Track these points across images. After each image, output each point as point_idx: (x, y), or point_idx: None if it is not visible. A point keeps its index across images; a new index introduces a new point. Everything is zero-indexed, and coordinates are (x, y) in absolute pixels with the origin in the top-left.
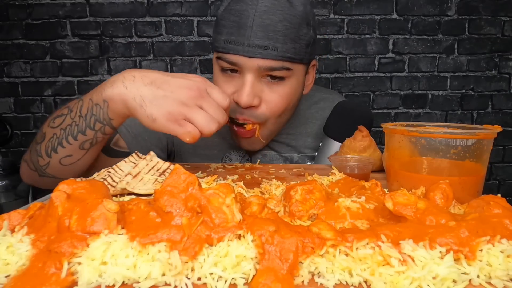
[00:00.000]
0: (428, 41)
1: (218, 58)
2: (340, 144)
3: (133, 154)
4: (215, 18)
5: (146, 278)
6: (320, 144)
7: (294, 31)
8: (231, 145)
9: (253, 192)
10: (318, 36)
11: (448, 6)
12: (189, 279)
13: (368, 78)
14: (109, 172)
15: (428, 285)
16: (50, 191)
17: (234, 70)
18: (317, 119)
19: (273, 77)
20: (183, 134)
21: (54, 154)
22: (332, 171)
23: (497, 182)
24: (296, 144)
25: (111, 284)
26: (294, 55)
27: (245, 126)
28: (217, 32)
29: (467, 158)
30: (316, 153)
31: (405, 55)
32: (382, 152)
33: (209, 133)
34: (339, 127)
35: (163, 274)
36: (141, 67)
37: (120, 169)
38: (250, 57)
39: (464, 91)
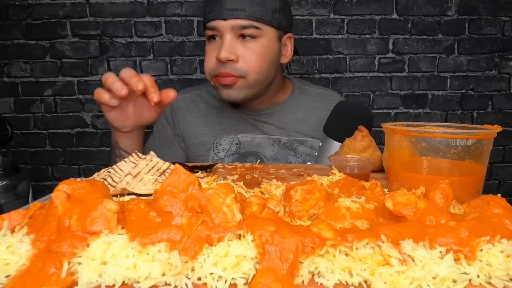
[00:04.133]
0: (428, 41)
1: (205, 29)
2: (340, 144)
3: (133, 154)
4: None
5: (146, 278)
6: (320, 144)
7: None
8: (221, 132)
9: (253, 192)
10: (318, 36)
11: (448, 6)
12: (189, 279)
13: (368, 78)
14: (109, 172)
15: (428, 285)
16: (50, 191)
17: (215, 36)
18: (309, 108)
19: (246, 38)
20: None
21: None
22: (332, 171)
23: (497, 182)
24: (285, 127)
25: (111, 284)
26: (261, 17)
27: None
28: (204, 12)
29: (467, 158)
30: (316, 152)
31: (405, 55)
32: (382, 152)
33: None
34: (339, 127)
35: (163, 274)
36: (141, 67)
37: (120, 169)
38: (225, 19)
39: (464, 91)
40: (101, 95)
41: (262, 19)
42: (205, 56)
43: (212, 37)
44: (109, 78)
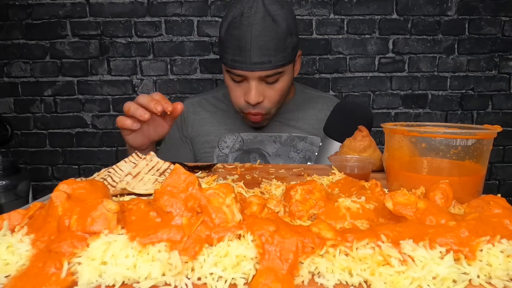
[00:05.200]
0: (428, 41)
1: (228, 71)
2: (340, 144)
3: (133, 154)
4: (219, 37)
5: (146, 278)
6: (320, 144)
7: (282, 44)
8: (225, 131)
9: (253, 192)
10: (318, 36)
11: (448, 6)
12: (189, 279)
13: (368, 78)
14: (109, 172)
15: (428, 285)
16: (50, 191)
17: (240, 80)
18: (309, 109)
19: (270, 82)
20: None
21: None
22: (332, 171)
23: (497, 182)
24: (287, 124)
25: (111, 284)
26: (284, 62)
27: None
28: (223, 51)
29: (467, 158)
30: (316, 153)
31: (405, 55)
32: (382, 152)
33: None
34: (339, 127)
35: (163, 274)
36: (141, 67)
37: (120, 169)
38: (252, 71)
39: (464, 91)
40: (124, 121)
41: (285, 63)
42: (230, 90)
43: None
44: (131, 106)
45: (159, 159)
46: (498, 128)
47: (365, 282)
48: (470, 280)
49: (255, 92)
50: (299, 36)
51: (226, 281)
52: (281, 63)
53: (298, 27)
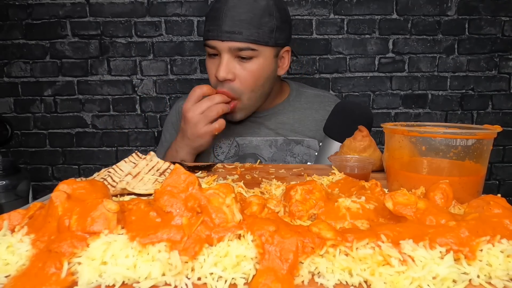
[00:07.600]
0: (428, 41)
1: (205, 45)
2: (340, 144)
3: (133, 154)
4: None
5: (146, 278)
6: (320, 144)
7: (256, 20)
8: (220, 136)
9: (253, 192)
10: (318, 36)
11: (448, 6)
12: (189, 279)
13: (368, 78)
14: (109, 172)
15: (428, 285)
16: (50, 191)
17: (216, 54)
18: (306, 109)
19: (243, 58)
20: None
21: None
22: (332, 171)
23: (497, 182)
24: (283, 128)
25: (111, 284)
26: (257, 38)
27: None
28: (204, 27)
29: (467, 158)
30: (316, 153)
31: (405, 55)
32: (382, 152)
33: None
34: (339, 127)
35: (163, 274)
36: (141, 67)
37: (120, 169)
38: (222, 40)
39: (464, 91)
40: (222, 124)
41: (259, 41)
42: (207, 70)
43: (213, 54)
44: (213, 108)
45: (159, 159)
46: (498, 128)
47: (365, 282)
48: (470, 280)
49: (224, 67)
50: (293, 37)
51: (226, 281)
52: (253, 39)
53: (283, 16)
